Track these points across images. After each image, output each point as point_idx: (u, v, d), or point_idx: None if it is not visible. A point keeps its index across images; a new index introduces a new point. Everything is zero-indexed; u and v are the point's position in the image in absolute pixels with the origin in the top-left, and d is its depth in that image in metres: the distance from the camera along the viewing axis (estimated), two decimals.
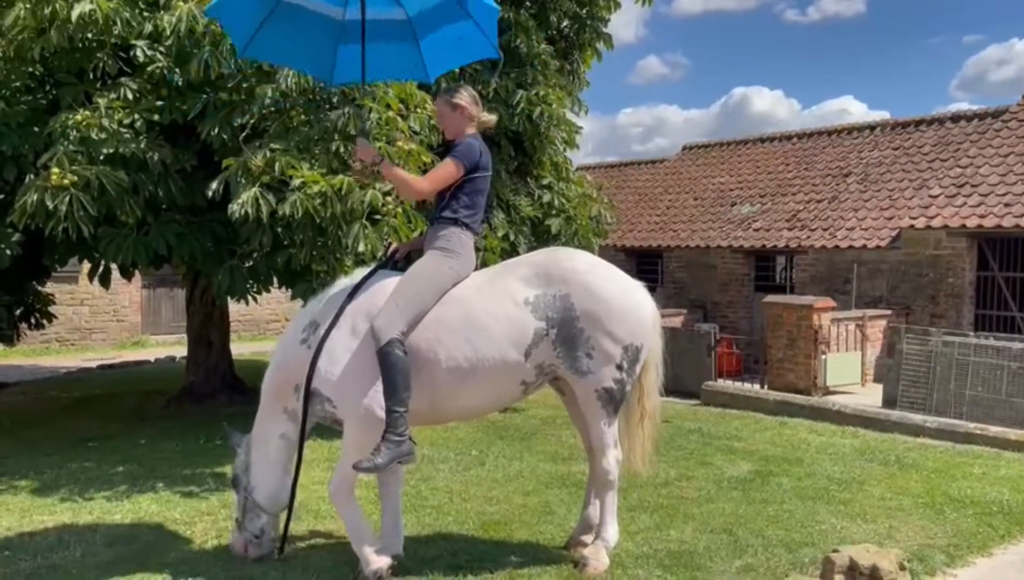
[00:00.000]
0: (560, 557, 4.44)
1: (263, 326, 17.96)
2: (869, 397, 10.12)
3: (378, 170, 4.07)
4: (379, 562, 4.04)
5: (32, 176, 5.78)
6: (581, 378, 4.11)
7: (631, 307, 4.18)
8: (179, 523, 5.15)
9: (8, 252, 6.17)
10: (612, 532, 4.31)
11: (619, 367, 4.12)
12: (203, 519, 5.22)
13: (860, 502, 5.52)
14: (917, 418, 8.07)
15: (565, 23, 9.32)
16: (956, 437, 7.48)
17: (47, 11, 5.73)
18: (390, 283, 4.07)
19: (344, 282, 4.32)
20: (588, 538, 4.42)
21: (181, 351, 12.14)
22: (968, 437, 7.43)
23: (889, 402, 9.42)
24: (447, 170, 4.06)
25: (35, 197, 5.52)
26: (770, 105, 66.74)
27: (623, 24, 72.94)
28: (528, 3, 8.98)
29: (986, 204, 12.28)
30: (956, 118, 14.84)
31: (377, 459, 3.83)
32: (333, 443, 6.81)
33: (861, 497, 5.64)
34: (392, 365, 3.82)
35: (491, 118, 4.31)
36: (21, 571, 4.36)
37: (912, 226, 12.80)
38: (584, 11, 9.28)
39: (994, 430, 7.49)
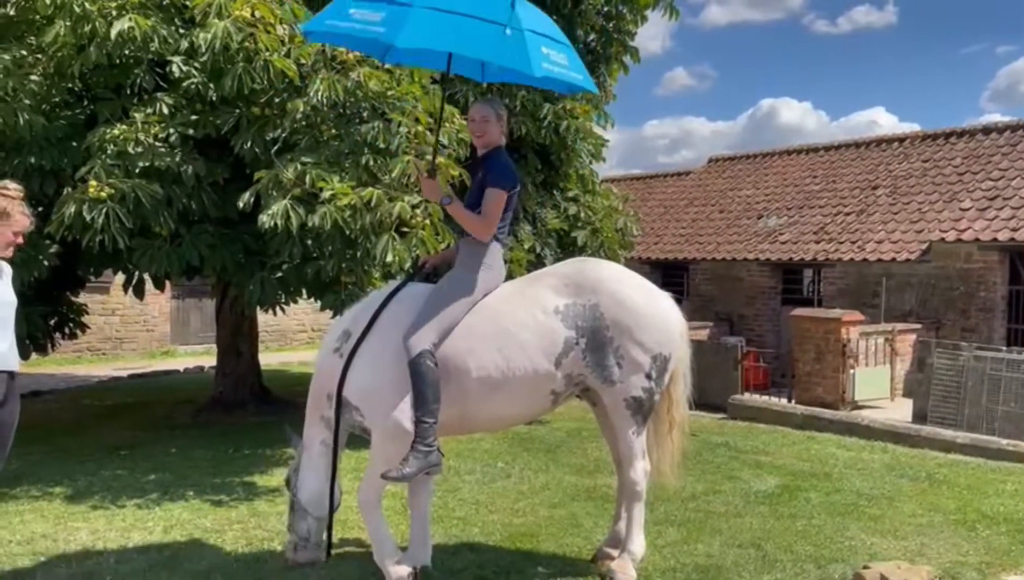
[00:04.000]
0: (587, 569, 4.45)
1: (290, 337, 18.14)
2: (898, 412, 10.02)
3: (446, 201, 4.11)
4: (399, 571, 4.08)
5: (70, 189, 5.91)
6: (610, 387, 4.13)
7: (659, 317, 4.20)
8: (210, 531, 5.21)
9: (46, 263, 6.30)
10: (639, 544, 4.30)
11: (648, 376, 4.14)
12: (233, 527, 5.28)
13: (890, 518, 5.46)
14: (948, 434, 7.95)
15: (592, 37, 9.37)
16: (988, 453, 7.36)
17: (87, 29, 5.88)
18: (421, 295, 4.11)
19: (377, 293, 4.37)
20: (615, 551, 4.41)
21: (209, 361, 12.29)
22: (1001, 453, 7.31)
23: (919, 417, 9.31)
24: (499, 200, 4.08)
25: (73, 209, 5.65)
26: (798, 117, 66.43)
27: (650, 36, 73.08)
28: (555, 18, 9.02)
29: (1018, 217, 12.13)
30: (987, 130, 14.69)
31: (405, 469, 3.87)
32: (361, 454, 6.86)
33: (891, 513, 5.58)
34: (423, 376, 3.86)
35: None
36: (57, 576, 4.44)
37: (943, 239, 12.67)
38: (611, 25, 9.33)
39: None
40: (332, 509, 4.34)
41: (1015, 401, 8.68)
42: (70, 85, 6.45)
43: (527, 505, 5.72)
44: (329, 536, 4.40)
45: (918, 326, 12.25)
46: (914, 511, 5.63)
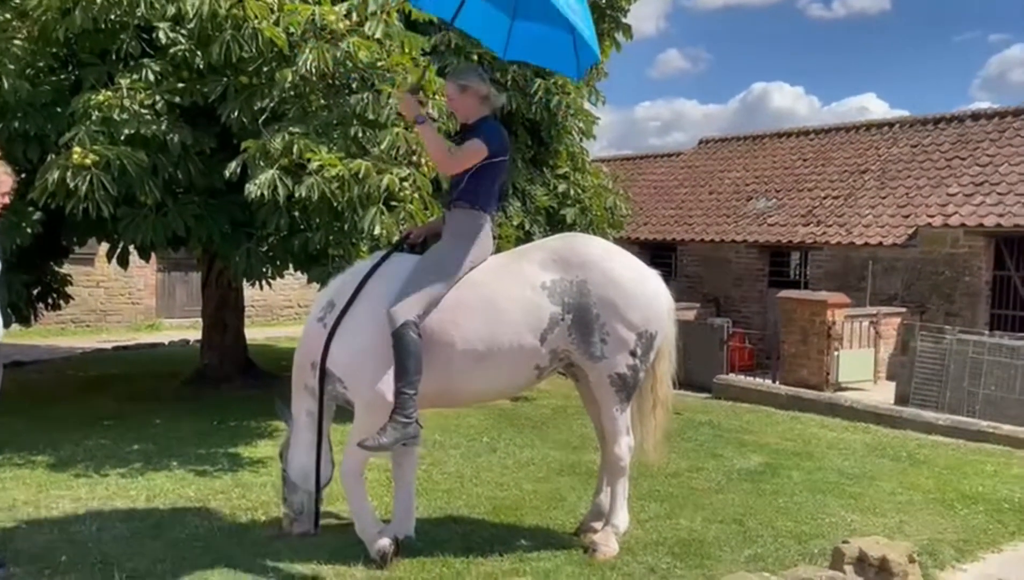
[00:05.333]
0: (570, 542, 4.47)
1: (276, 312, 18.07)
2: (881, 394, 10.09)
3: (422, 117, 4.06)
4: (381, 542, 4.09)
5: (54, 155, 5.83)
6: (595, 363, 4.13)
7: (646, 294, 4.20)
8: (192, 500, 5.20)
9: (29, 230, 6.23)
10: (622, 518, 4.33)
11: (633, 354, 4.14)
12: (216, 497, 5.27)
13: (870, 496, 5.52)
14: (929, 415, 8.04)
15: None
16: (968, 435, 7.45)
17: None
18: (406, 266, 4.09)
19: (362, 263, 4.35)
20: (598, 524, 4.44)
21: (194, 335, 12.23)
22: (981, 435, 7.40)
23: (902, 399, 9.40)
24: (474, 151, 4.04)
25: (56, 175, 5.57)
26: (790, 101, 66.34)
27: (644, 16, 72.41)
28: None
29: (1004, 203, 12.20)
30: (976, 116, 14.72)
31: (382, 439, 3.86)
32: (347, 427, 6.86)
33: (871, 491, 5.64)
34: (405, 347, 3.84)
35: (501, 98, 4.32)
36: (38, 543, 4.42)
37: (929, 224, 12.73)
38: (603, 0, 9.26)
39: (1007, 429, 7.47)
40: (319, 481, 4.33)
41: (996, 385, 8.78)
42: (55, 50, 6.35)
43: (512, 479, 5.74)
44: (317, 508, 4.40)
45: (903, 310, 12.33)
46: (894, 490, 5.69)
